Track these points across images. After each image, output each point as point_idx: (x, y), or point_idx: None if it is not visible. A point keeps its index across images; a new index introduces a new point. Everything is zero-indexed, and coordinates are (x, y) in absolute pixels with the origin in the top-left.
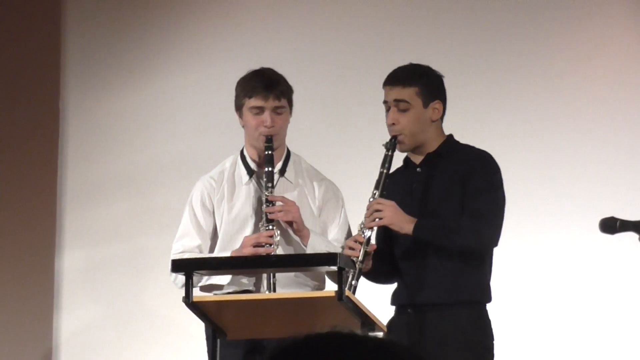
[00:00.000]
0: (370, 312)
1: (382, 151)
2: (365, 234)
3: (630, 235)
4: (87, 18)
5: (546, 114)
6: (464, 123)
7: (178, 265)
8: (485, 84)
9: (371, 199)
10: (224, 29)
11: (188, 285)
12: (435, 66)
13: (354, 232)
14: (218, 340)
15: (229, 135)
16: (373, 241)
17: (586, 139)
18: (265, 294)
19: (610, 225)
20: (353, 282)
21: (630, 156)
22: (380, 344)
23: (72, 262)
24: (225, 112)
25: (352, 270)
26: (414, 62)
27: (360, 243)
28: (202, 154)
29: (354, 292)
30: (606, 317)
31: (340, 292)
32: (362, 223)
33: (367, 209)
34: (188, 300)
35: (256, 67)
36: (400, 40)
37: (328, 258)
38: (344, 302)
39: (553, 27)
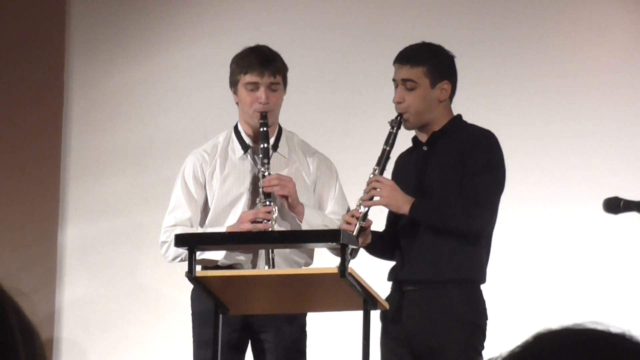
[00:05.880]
0: (372, 289)
1: (380, 131)
2: (362, 209)
3: (634, 215)
4: None
5: (551, 95)
6: (470, 105)
7: (181, 240)
8: (492, 67)
9: (371, 175)
10: (231, 1)
11: (191, 260)
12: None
13: (352, 206)
14: (220, 317)
15: (233, 111)
16: (370, 217)
17: (591, 120)
18: (267, 270)
19: (614, 205)
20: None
21: (636, 136)
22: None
23: (75, 234)
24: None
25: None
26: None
27: (357, 218)
28: (209, 128)
29: None
30: (607, 300)
31: (343, 269)
32: (361, 198)
33: (367, 185)
34: (191, 275)
35: (262, 43)
36: (405, 20)
37: (331, 234)
38: (347, 278)
39: (558, 11)
